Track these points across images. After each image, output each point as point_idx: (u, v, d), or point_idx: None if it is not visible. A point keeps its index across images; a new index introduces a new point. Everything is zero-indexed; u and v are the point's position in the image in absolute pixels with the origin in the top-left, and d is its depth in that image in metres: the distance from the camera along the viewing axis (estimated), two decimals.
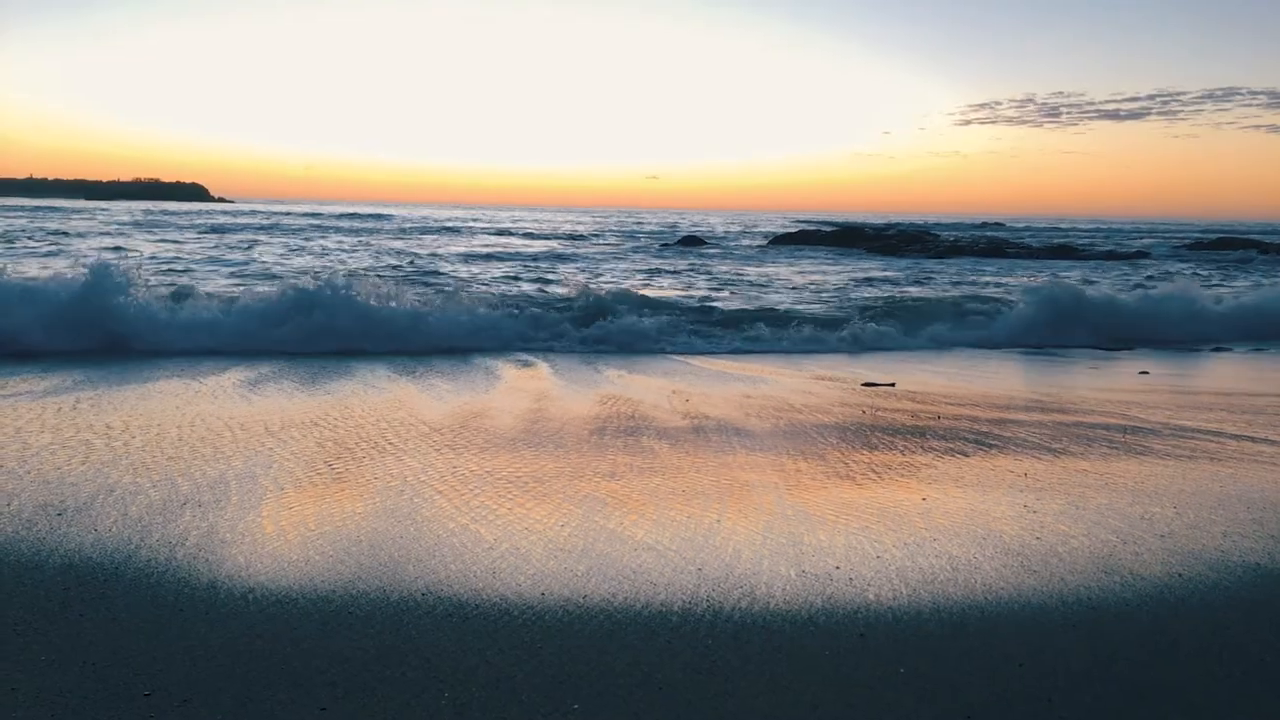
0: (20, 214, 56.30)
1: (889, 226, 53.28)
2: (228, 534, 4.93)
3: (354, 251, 33.98)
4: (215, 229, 45.85)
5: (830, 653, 3.78)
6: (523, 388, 9.91)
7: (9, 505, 5.29)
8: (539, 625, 3.94)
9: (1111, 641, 3.95)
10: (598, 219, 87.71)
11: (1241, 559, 5.03)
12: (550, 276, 25.33)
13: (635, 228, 64.84)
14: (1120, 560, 4.95)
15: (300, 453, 6.66)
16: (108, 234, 39.64)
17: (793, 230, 49.35)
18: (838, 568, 4.72)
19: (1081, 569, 4.81)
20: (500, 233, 53.02)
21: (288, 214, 72.81)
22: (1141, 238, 61.21)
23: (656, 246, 40.96)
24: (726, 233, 58.69)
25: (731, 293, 22.16)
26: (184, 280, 19.16)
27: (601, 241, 45.82)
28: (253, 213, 74.33)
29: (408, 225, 57.85)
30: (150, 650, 3.61)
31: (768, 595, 4.34)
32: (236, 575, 4.40)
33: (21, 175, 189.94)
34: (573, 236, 51.02)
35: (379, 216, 71.15)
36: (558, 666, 3.57)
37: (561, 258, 32.86)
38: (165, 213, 67.31)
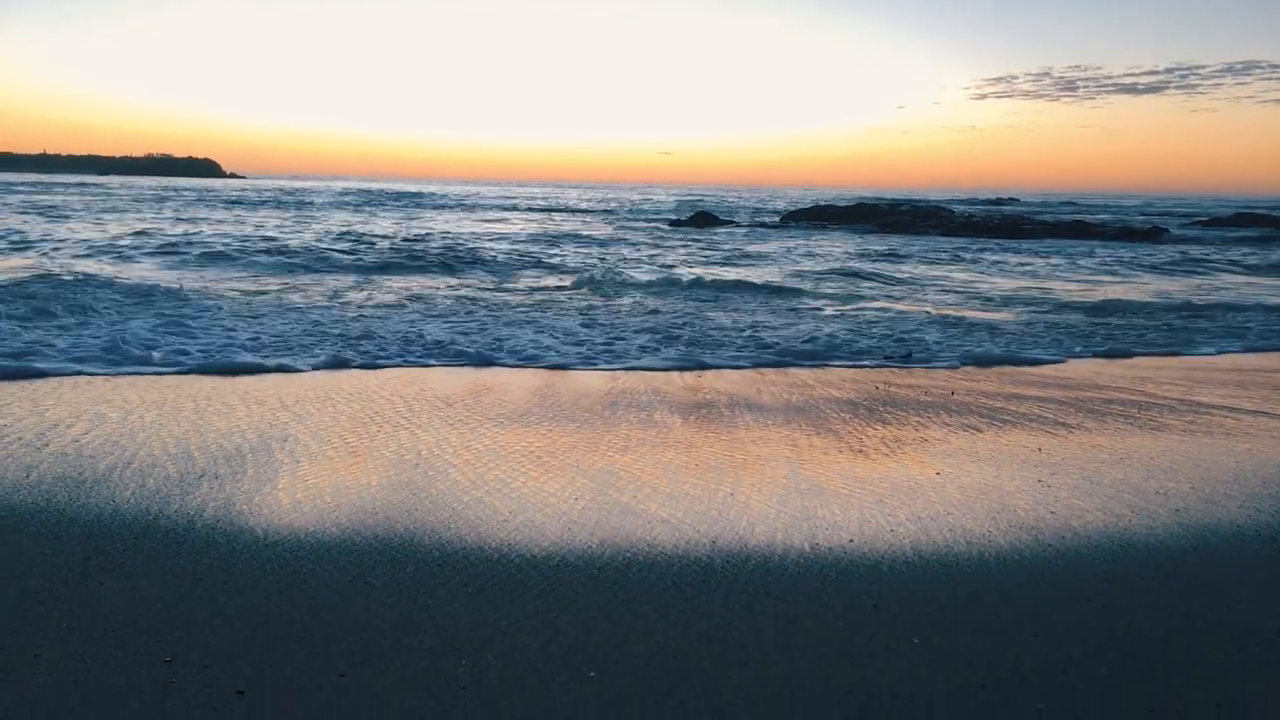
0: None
1: (902, 202, 52.95)
2: (245, 506, 4.97)
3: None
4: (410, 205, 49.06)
5: (844, 624, 3.79)
6: None
7: (28, 477, 5.34)
8: (554, 596, 3.96)
9: (1126, 615, 3.95)
10: (610, 195, 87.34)
11: (1257, 533, 5.02)
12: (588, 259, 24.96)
13: (646, 204, 64.55)
14: (1134, 534, 4.95)
15: (315, 427, 6.69)
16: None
17: (806, 207, 49.05)
18: (851, 541, 4.72)
19: (1096, 543, 4.81)
20: (545, 210, 53.25)
21: (343, 191, 72.72)
22: (1160, 214, 60.62)
23: (665, 227, 40.19)
24: (736, 207, 58.44)
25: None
26: None
27: (618, 219, 45.35)
28: (326, 190, 74.07)
29: (484, 202, 60.06)
30: (170, 618, 3.65)
31: (781, 567, 4.36)
32: (254, 546, 4.44)
33: (34, 151, 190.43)
34: (596, 211, 50.82)
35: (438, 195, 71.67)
36: (573, 636, 3.60)
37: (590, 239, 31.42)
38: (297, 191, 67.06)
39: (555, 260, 23.04)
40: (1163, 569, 4.50)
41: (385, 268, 19.55)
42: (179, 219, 35.35)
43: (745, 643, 3.59)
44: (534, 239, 30.71)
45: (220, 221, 34.77)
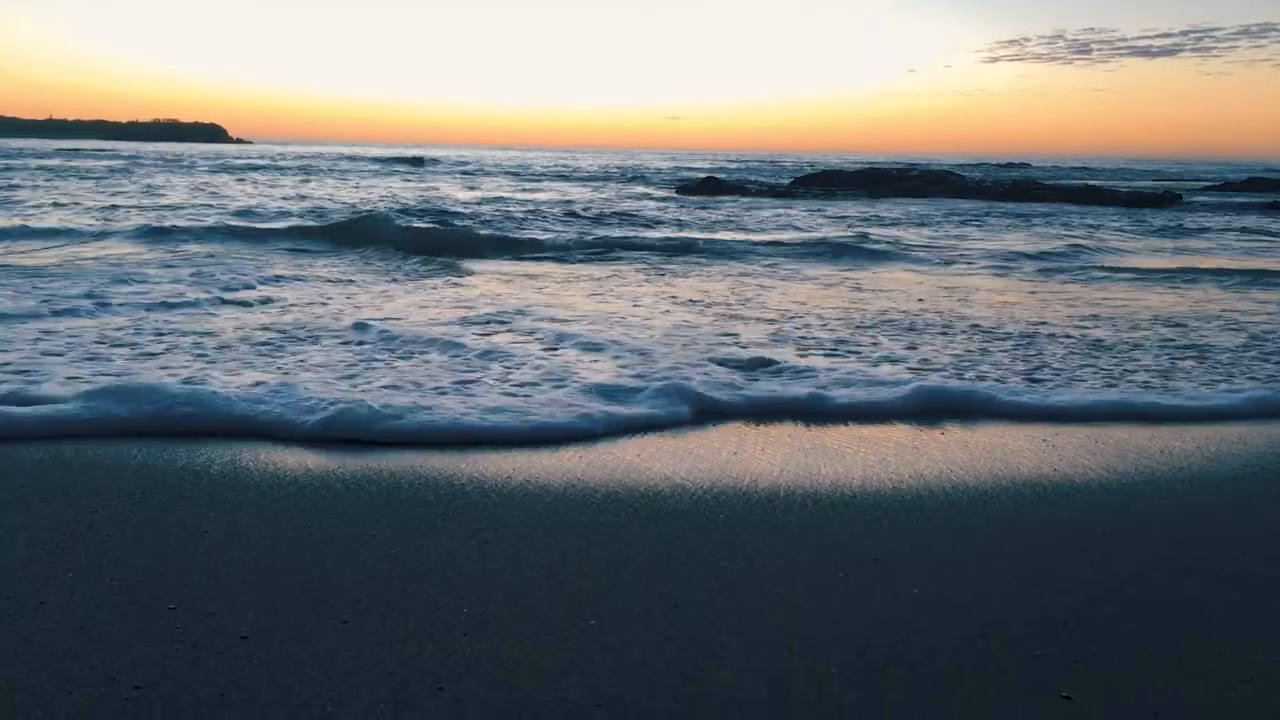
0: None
1: (913, 167, 52.54)
2: (250, 463, 4.99)
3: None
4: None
5: (845, 575, 3.81)
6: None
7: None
8: (557, 548, 3.98)
9: (1127, 566, 3.95)
10: (616, 160, 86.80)
11: (1264, 489, 5.03)
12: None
13: (660, 169, 64.00)
14: (1137, 490, 4.96)
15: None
16: None
17: (815, 173, 48.66)
18: (854, 497, 4.74)
19: (1098, 499, 4.81)
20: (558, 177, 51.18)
21: (361, 158, 69.47)
22: (1170, 180, 60.00)
23: (673, 194, 39.09)
24: (745, 173, 57.92)
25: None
26: None
27: (637, 185, 44.54)
28: (363, 158, 70.48)
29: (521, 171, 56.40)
30: (175, 568, 3.69)
31: (784, 522, 4.37)
32: (260, 500, 4.47)
33: (41, 116, 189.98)
34: (613, 179, 50.03)
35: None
36: (575, 585, 3.62)
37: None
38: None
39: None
40: (1165, 523, 4.50)
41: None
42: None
43: (747, 593, 3.61)
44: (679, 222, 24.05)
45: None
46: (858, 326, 9.71)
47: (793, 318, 10.15)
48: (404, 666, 3.00)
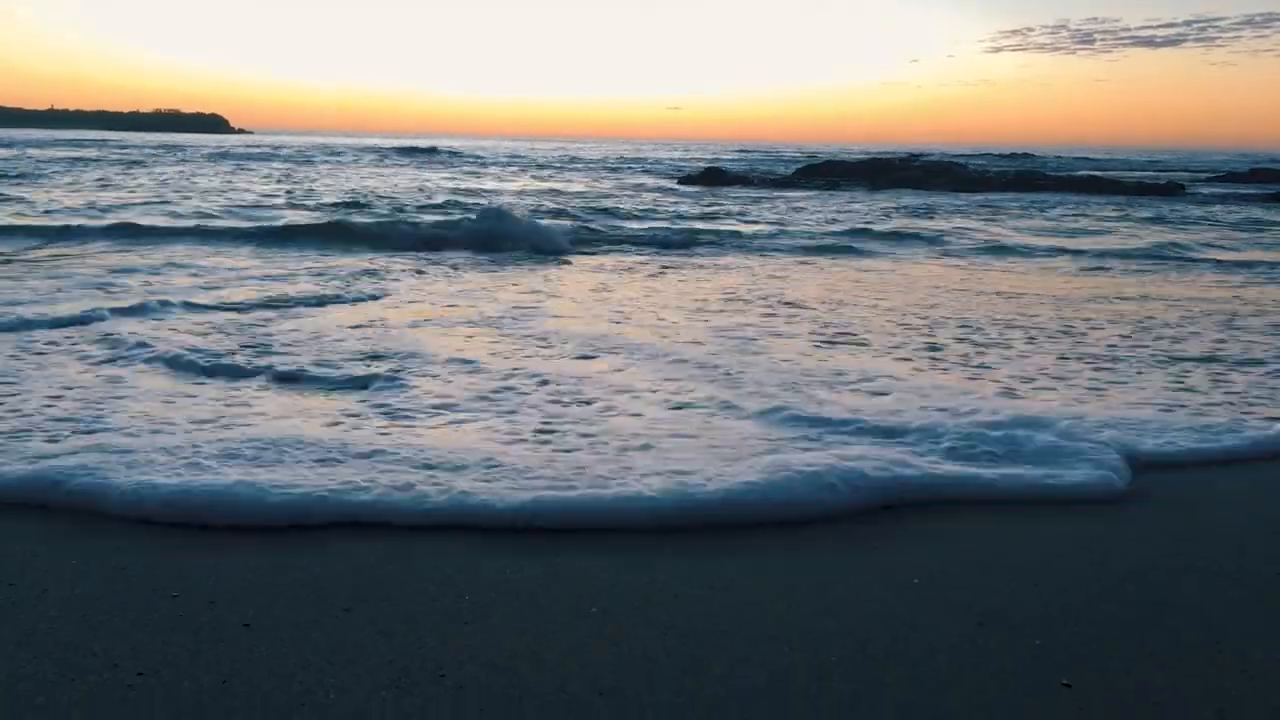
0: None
1: (916, 158, 52.45)
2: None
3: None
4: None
5: (845, 567, 3.82)
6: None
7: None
8: (559, 545, 3.98)
9: (1127, 563, 3.95)
10: (620, 151, 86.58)
11: (1265, 484, 5.02)
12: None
13: (660, 161, 63.82)
14: (1139, 485, 4.94)
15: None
16: None
17: (818, 163, 48.50)
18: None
19: (1098, 493, 4.80)
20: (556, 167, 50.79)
21: (369, 149, 68.17)
22: (1173, 170, 59.85)
23: (674, 183, 38.97)
24: (746, 163, 57.76)
25: None
26: None
27: (636, 175, 44.36)
28: (385, 148, 68.69)
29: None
30: (177, 559, 3.70)
31: (785, 515, 4.37)
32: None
33: (43, 107, 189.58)
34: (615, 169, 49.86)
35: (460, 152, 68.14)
36: (575, 579, 3.63)
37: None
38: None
39: None
40: (1164, 519, 4.49)
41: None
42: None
43: (749, 586, 3.62)
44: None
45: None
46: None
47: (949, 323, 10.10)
48: (405, 654, 3.01)
